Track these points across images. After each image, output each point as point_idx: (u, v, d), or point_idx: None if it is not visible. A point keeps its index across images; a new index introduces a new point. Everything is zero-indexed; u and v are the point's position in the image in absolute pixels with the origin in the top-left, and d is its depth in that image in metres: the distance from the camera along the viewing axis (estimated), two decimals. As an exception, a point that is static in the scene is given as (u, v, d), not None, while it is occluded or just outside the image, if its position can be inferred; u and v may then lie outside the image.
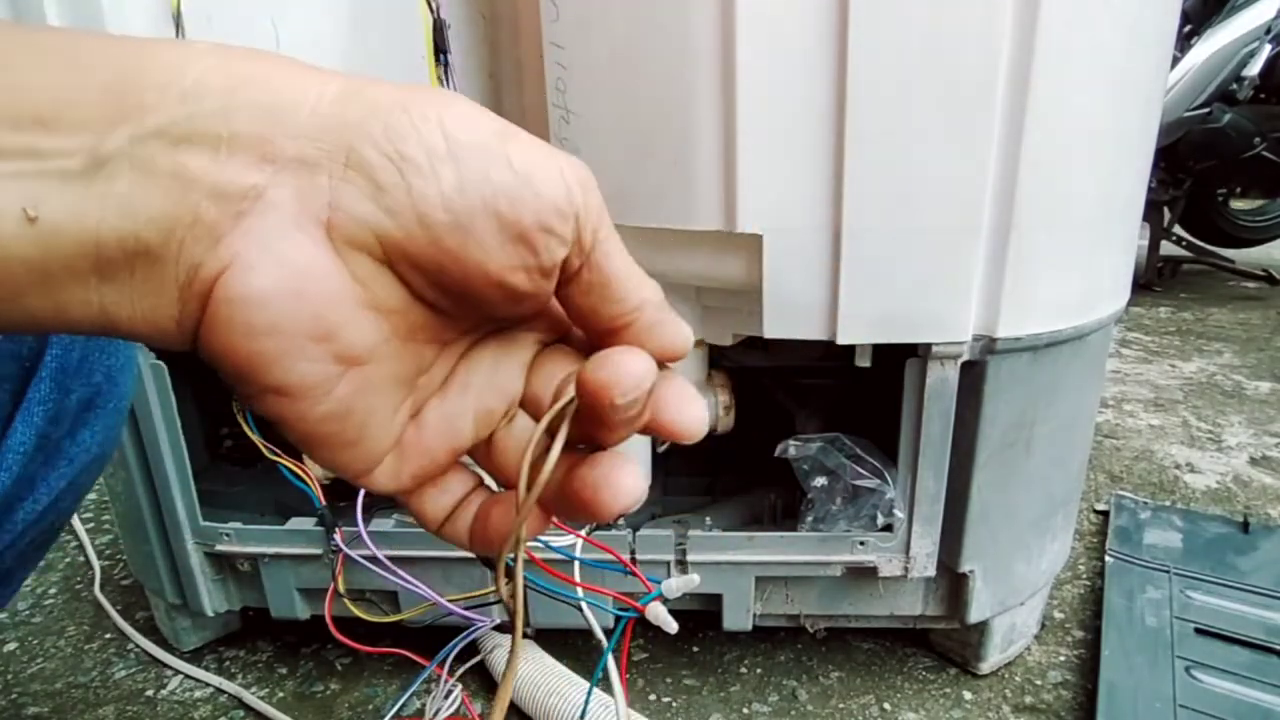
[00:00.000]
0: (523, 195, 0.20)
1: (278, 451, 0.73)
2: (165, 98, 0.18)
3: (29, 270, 0.18)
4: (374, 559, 0.65)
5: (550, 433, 0.22)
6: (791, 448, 0.66)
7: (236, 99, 0.18)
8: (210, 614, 0.73)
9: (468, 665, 0.72)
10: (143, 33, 0.54)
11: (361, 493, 0.64)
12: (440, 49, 0.57)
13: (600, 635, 0.55)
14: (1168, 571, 0.82)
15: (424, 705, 0.68)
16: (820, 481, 0.65)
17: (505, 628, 0.67)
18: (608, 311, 0.23)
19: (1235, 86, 2.06)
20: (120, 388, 0.37)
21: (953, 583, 0.67)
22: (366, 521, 0.68)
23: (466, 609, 0.64)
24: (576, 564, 0.61)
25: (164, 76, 0.18)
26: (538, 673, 0.67)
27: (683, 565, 0.66)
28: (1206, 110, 2.05)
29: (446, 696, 0.66)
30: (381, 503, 0.74)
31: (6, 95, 0.17)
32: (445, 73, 0.57)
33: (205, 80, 0.18)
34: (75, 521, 1.05)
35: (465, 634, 0.66)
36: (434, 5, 0.57)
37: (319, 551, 0.68)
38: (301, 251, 0.19)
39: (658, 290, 0.24)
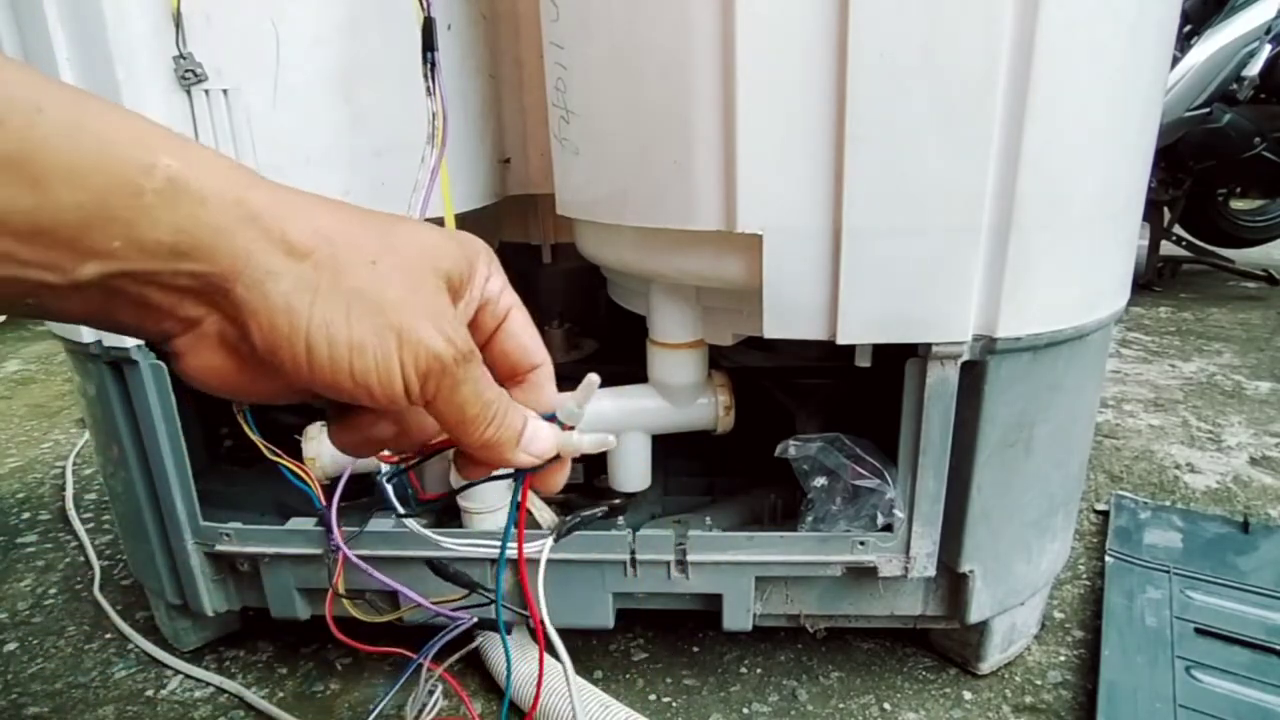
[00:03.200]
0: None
1: (278, 451, 0.73)
2: (128, 248, 0.23)
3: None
4: (386, 556, 0.65)
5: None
6: (791, 448, 0.66)
7: (181, 262, 0.24)
8: (210, 614, 0.73)
9: (452, 660, 0.72)
10: (143, 32, 0.54)
11: (336, 495, 0.65)
12: (428, 47, 0.57)
13: (554, 637, 0.55)
14: (1168, 571, 0.82)
15: (411, 704, 0.67)
16: (820, 481, 0.65)
17: (486, 624, 0.66)
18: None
19: (1235, 86, 2.06)
20: None
21: (953, 583, 0.67)
22: (365, 522, 0.68)
23: (455, 609, 0.64)
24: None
25: (126, 218, 0.22)
26: (537, 672, 0.67)
27: (683, 565, 0.66)
28: (1206, 110, 2.05)
29: (429, 695, 0.66)
30: (381, 503, 0.74)
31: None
32: (431, 71, 0.57)
33: (160, 237, 0.23)
34: (75, 521, 1.05)
35: (446, 631, 0.66)
36: (424, 3, 0.56)
37: (319, 551, 0.68)
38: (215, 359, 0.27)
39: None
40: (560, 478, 0.34)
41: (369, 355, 0.25)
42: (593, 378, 0.33)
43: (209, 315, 0.25)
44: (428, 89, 0.57)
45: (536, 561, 0.62)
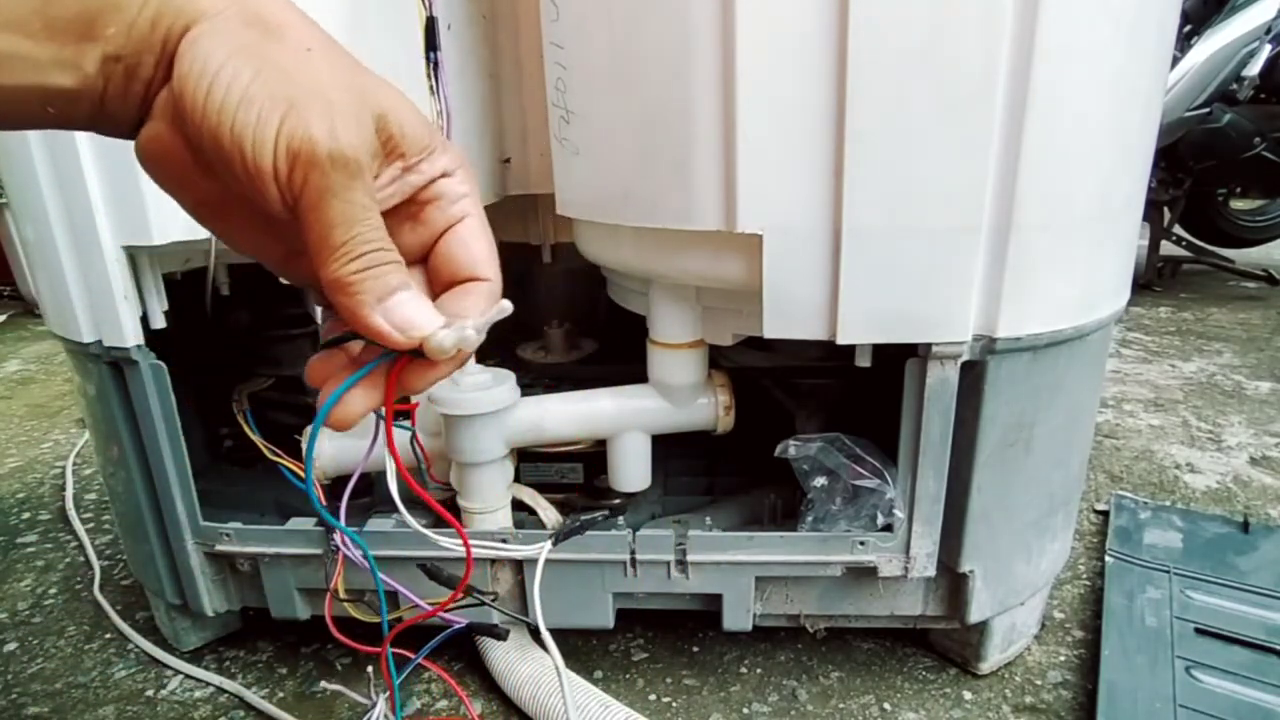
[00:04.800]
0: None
1: (278, 451, 0.73)
2: (119, 33, 0.24)
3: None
4: (387, 556, 0.65)
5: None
6: (791, 448, 0.66)
7: (156, 33, 0.25)
8: (210, 614, 0.73)
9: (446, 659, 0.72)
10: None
11: (349, 488, 0.64)
12: (431, 47, 0.57)
13: (548, 639, 0.55)
14: (1168, 571, 0.82)
15: (419, 706, 0.67)
16: (820, 481, 0.65)
17: (479, 629, 0.66)
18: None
19: (1235, 86, 2.05)
20: None
21: (953, 583, 0.67)
22: (364, 522, 0.68)
23: (450, 611, 0.64)
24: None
25: (115, 4, 0.24)
26: (538, 672, 0.67)
27: (683, 565, 0.66)
28: (1206, 110, 2.05)
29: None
30: (382, 503, 0.74)
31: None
32: (434, 71, 0.57)
33: (145, 15, 0.24)
34: (75, 521, 1.05)
35: (443, 635, 0.66)
36: (427, 3, 0.56)
37: (319, 551, 0.68)
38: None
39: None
40: (421, 378, 0.29)
41: (254, 111, 0.24)
42: (505, 303, 0.29)
43: (166, 86, 0.25)
44: (431, 88, 0.57)
45: (534, 561, 0.62)
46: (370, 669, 0.65)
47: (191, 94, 0.24)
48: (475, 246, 0.29)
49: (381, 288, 0.26)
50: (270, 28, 0.25)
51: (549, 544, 0.63)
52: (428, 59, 0.57)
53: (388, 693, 0.63)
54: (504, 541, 0.65)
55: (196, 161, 0.26)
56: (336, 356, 0.30)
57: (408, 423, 0.47)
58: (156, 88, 0.25)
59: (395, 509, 0.72)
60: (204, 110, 0.24)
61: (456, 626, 0.66)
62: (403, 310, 0.27)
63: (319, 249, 0.26)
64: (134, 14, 0.24)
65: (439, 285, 0.30)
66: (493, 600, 0.66)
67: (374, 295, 0.26)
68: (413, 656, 0.67)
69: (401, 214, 0.29)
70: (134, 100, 0.25)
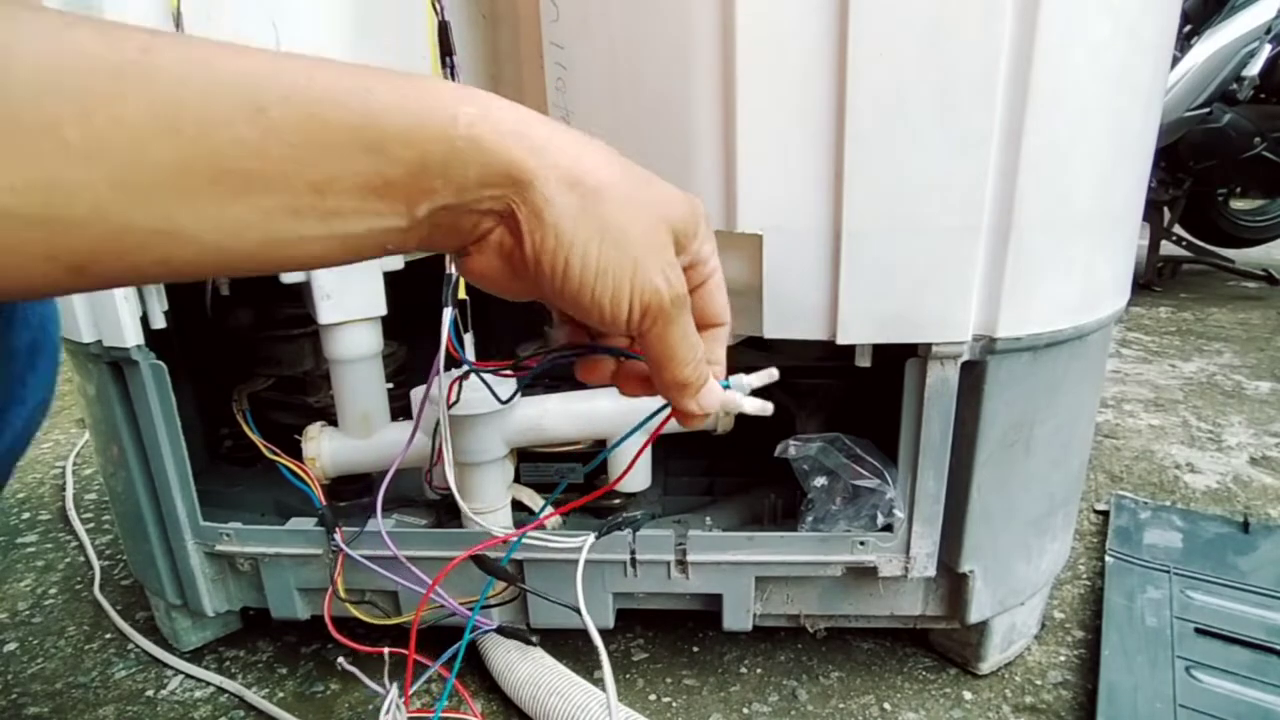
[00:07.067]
0: None
1: (278, 451, 0.73)
2: (447, 186, 0.28)
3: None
4: (380, 557, 0.65)
5: None
6: (791, 448, 0.66)
7: (484, 190, 0.29)
8: (210, 614, 0.73)
9: (443, 659, 0.72)
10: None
11: (383, 488, 0.64)
12: (446, 51, 0.57)
13: (596, 638, 0.54)
14: (1168, 571, 0.82)
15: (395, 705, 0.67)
16: (820, 481, 0.65)
17: (507, 631, 0.66)
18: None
19: (1235, 86, 2.06)
20: (52, 336, 0.40)
21: (953, 583, 0.67)
22: (365, 523, 0.68)
23: (464, 607, 0.64)
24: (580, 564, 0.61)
25: (443, 163, 0.28)
26: (538, 672, 0.67)
27: (683, 565, 0.66)
28: (1206, 110, 2.05)
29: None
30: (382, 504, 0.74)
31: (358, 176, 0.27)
32: (451, 75, 0.57)
33: (469, 174, 0.28)
34: (75, 521, 1.05)
35: (470, 635, 0.66)
36: (438, 7, 0.56)
37: (319, 551, 0.68)
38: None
39: None
40: (696, 422, 0.39)
41: (609, 280, 0.31)
42: (773, 370, 0.41)
43: (497, 228, 0.31)
44: None
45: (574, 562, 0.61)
46: (388, 658, 0.64)
47: (549, 267, 0.30)
48: (719, 297, 0.38)
49: (700, 382, 0.36)
50: (588, 190, 0.30)
51: (592, 538, 0.62)
52: (443, 63, 0.57)
53: (399, 683, 0.63)
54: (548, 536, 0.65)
55: (516, 276, 0.32)
56: (604, 362, 0.39)
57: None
58: (485, 234, 0.31)
59: (396, 508, 0.73)
60: (563, 280, 0.30)
61: (487, 628, 0.66)
62: (708, 398, 0.37)
63: (662, 362, 0.34)
64: (461, 175, 0.28)
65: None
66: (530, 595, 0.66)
67: (695, 390, 0.36)
68: (413, 656, 0.67)
69: None
70: (461, 239, 0.31)
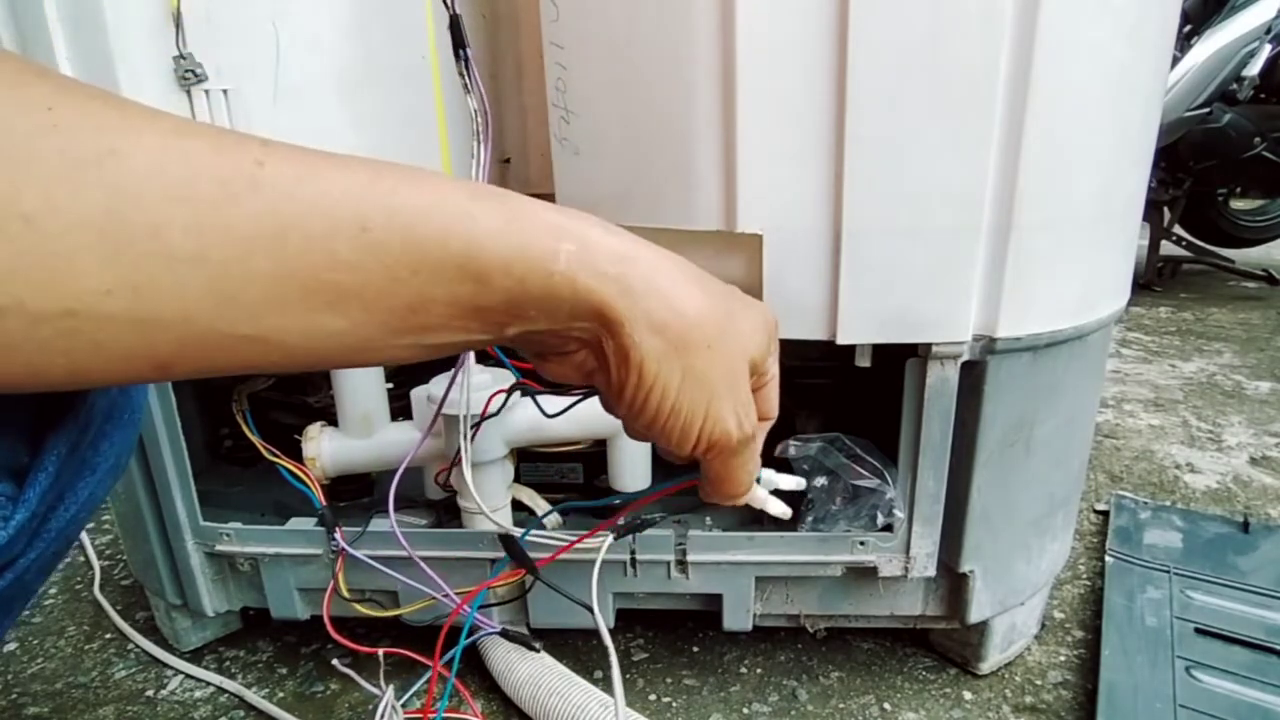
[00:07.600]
0: None
1: (277, 451, 0.73)
2: (540, 315, 0.30)
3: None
4: (385, 557, 0.65)
5: None
6: (791, 448, 0.66)
7: (574, 321, 0.31)
8: (210, 614, 0.73)
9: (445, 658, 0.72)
10: (143, 32, 0.54)
11: (394, 486, 0.64)
12: (460, 44, 0.56)
13: (607, 639, 0.54)
14: (1168, 571, 0.82)
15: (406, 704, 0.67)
16: (820, 481, 0.65)
17: (510, 635, 0.66)
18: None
19: (1235, 86, 2.06)
20: (134, 399, 0.38)
21: (953, 583, 0.67)
22: (367, 522, 0.68)
23: (467, 606, 0.64)
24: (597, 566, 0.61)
25: (539, 295, 0.29)
26: (538, 672, 0.67)
27: (683, 565, 0.66)
28: (1206, 110, 2.05)
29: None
30: (382, 504, 0.74)
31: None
32: (466, 68, 0.57)
33: (562, 307, 0.30)
34: (75, 521, 1.05)
35: (474, 636, 0.66)
36: (449, 1, 0.56)
37: (319, 551, 0.68)
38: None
39: None
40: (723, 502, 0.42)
41: (682, 417, 0.33)
42: (801, 480, 0.46)
43: (581, 350, 0.33)
44: (465, 86, 0.57)
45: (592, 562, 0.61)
46: (382, 659, 0.64)
47: (629, 397, 0.32)
48: (773, 398, 0.40)
49: (746, 494, 0.40)
50: (675, 335, 0.31)
51: (610, 537, 0.62)
52: (458, 57, 0.57)
53: (395, 685, 0.63)
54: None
55: (590, 381, 0.35)
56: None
57: None
58: (569, 353, 0.33)
59: (397, 508, 0.72)
60: (640, 410, 0.33)
61: (490, 630, 0.66)
62: (749, 498, 0.41)
63: (720, 482, 0.38)
64: (554, 308, 0.29)
65: None
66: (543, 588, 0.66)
67: (738, 498, 0.40)
68: (412, 656, 0.67)
69: None
70: (544, 350, 0.33)
